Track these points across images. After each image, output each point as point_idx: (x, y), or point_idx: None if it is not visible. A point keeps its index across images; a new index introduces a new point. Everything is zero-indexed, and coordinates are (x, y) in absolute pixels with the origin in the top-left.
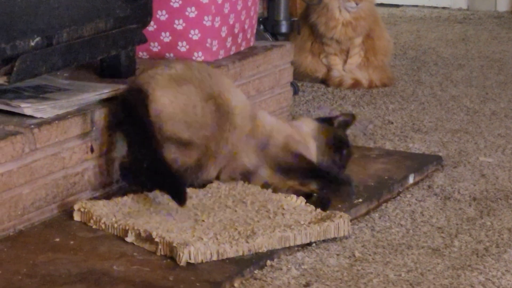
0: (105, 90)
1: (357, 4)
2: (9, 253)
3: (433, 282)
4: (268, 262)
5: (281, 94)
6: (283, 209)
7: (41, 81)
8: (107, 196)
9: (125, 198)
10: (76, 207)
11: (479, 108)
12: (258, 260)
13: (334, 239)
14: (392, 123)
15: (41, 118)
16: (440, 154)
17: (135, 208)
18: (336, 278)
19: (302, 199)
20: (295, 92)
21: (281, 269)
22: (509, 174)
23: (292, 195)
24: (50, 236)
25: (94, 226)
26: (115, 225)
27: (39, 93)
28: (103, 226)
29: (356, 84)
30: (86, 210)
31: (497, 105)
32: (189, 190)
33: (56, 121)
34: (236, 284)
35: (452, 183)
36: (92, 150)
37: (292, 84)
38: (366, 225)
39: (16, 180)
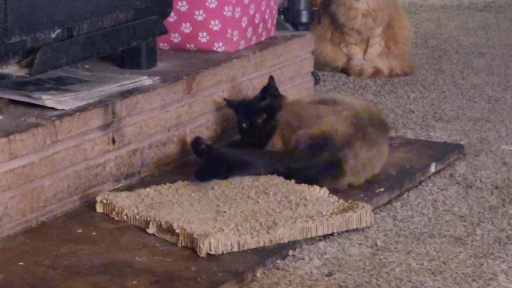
0: (126, 82)
1: None
2: (31, 245)
3: (456, 271)
4: (290, 252)
5: (302, 84)
6: (306, 200)
7: (62, 73)
8: (129, 187)
9: (148, 189)
10: (98, 198)
11: (501, 96)
12: (280, 250)
13: (356, 229)
14: (413, 112)
15: (62, 110)
16: (462, 142)
17: (158, 200)
18: (358, 268)
19: (325, 190)
20: (316, 81)
21: (303, 259)
22: None
23: (316, 186)
24: (72, 228)
25: (116, 218)
26: (137, 217)
27: (60, 85)
28: (125, 217)
29: (376, 73)
30: (108, 201)
31: None
32: (212, 181)
33: (78, 113)
34: (258, 274)
35: (474, 171)
36: (113, 142)
37: (313, 73)
38: (388, 214)
39: (38, 172)
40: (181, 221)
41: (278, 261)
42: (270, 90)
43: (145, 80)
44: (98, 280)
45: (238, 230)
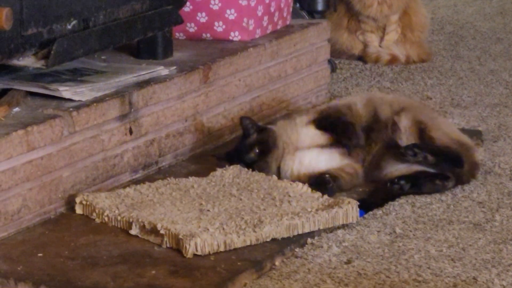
0: (143, 72)
1: None
2: (50, 236)
3: (475, 257)
4: (309, 240)
5: (318, 72)
6: (289, 196)
7: (78, 64)
8: (147, 178)
9: (127, 189)
10: (77, 199)
11: None
12: (298, 238)
13: (374, 215)
14: (431, 98)
15: (79, 101)
16: (480, 128)
17: (138, 200)
18: (377, 255)
19: (307, 186)
20: (333, 69)
21: (322, 246)
22: None
23: (298, 182)
24: (90, 218)
25: (97, 219)
26: (119, 218)
27: (77, 76)
28: (106, 219)
29: (393, 60)
30: (88, 202)
31: None
32: (192, 179)
33: (95, 104)
34: (277, 263)
35: (492, 157)
36: (131, 132)
37: (329, 61)
38: (407, 201)
39: (56, 163)
40: (165, 221)
41: (297, 250)
42: (250, 128)
43: (162, 70)
44: (117, 270)
45: (223, 229)
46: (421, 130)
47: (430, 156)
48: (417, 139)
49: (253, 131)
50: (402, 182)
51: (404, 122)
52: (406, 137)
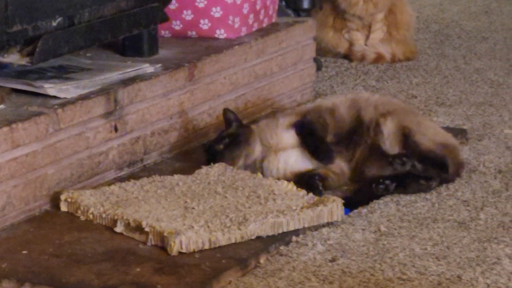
0: (128, 69)
1: None
2: (35, 234)
3: (459, 255)
4: (294, 238)
5: (304, 70)
6: (274, 194)
7: (63, 61)
8: (132, 175)
9: (112, 187)
10: (62, 197)
11: (503, 80)
12: (283, 236)
13: (359, 214)
14: (416, 97)
15: (64, 98)
16: (465, 127)
17: (123, 197)
18: (362, 253)
19: (292, 184)
20: (318, 68)
21: (306, 244)
22: None
23: (283, 181)
24: (75, 216)
25: (81, 217)
26: (104, 215)
27: (62, 73)
28: (91, 216)
29: (379, 58)
30: (73, 200)
31: None
32: (177, 177)
33: (80, 101)
34: (261, 261)
35: (477, 156)
36: (116, 129)
37: (315, 60)
38: (391, 199)
39: (41, 161)
40: (150, 219)
41: (282, 247)
42: (231, 121)
43: (147, 68)
44: (101, 268)
45: (208, 227)
46: (405, 136)
47: (418, 164)
48: (400, 144)
49: (233, 124)
50: (388, 182)
51: (389, 127)
52: (389, 142)
